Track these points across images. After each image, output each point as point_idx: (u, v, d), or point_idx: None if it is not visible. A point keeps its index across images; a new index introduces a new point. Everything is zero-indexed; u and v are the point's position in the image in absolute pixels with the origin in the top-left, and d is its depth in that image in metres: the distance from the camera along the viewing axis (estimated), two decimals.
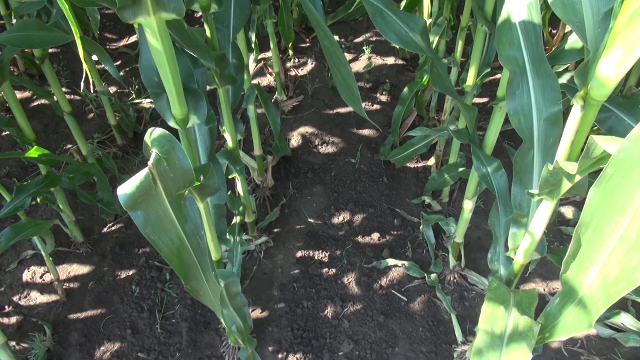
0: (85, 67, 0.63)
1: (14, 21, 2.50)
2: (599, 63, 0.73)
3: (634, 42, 0.67)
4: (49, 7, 1.75)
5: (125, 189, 0.71)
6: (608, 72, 0.71)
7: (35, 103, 2.70)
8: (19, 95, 2.72)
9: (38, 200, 1.80)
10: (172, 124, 0.97)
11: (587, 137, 0.82)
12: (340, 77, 1.14)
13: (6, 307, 1.91)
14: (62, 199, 1.91)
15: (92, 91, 2.63)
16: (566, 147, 0.86)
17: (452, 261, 1.96)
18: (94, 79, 2.22)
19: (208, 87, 1.41)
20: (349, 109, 2.66)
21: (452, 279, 1.95)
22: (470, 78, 1.65)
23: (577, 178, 0.83)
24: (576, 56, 1.17)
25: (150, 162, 0.73)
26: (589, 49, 0.79)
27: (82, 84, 2.21)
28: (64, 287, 1.95)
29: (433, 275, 1.94)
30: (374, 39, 3.07)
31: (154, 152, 0.75)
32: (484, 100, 2.67)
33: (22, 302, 1.92)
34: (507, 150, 2.19)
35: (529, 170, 1.06)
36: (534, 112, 1.02)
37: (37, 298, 1.93)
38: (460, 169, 1.91)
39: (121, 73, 2.89)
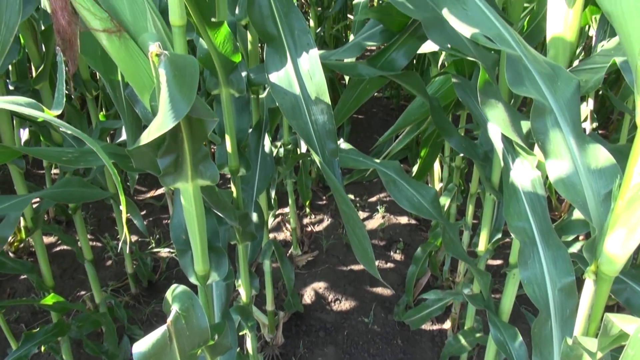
0: (125, 230, 0.69)
1: (53, 170, 2.72)
2: (606, 241, 0.76)
3: (635, 224, 0.71)
4: None
5: (141, 346, 0.71)
6: (615, 251, 0.74)
7: (58, 248, 2.78)
8: (44, 239, 2.82)
9: (42, 348, 1.76)
10: (192, 280, 0.99)
11: (604, 310, 0.82)
12: (355, 239, 1.19)
13: None
14: (67, 349, 1.86)
15: (114, 239, 2.72)
16: (583, 321, 0.85)
17: None
18: (122, 232, 2.32)
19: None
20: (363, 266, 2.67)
21: None
22: (482, 243, 1.69)
23: (599, 355, 0.81)
24: (583, 228, 1.20)
25: (169, 320, 0.75)
26: (594, 227, 0.83)
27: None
28: None
29: None
30: (388, 199, 3.21)
31: (174, 310, 0.76)
32: (498, 262, 2.68)
33: None
34: (525, 316, 2.13)
35: (549, 343, 1.03)
36: (548, 283, 1.02)
37: None
38: (478, 335, 1.85)
39: (145, 222, 3.01)
